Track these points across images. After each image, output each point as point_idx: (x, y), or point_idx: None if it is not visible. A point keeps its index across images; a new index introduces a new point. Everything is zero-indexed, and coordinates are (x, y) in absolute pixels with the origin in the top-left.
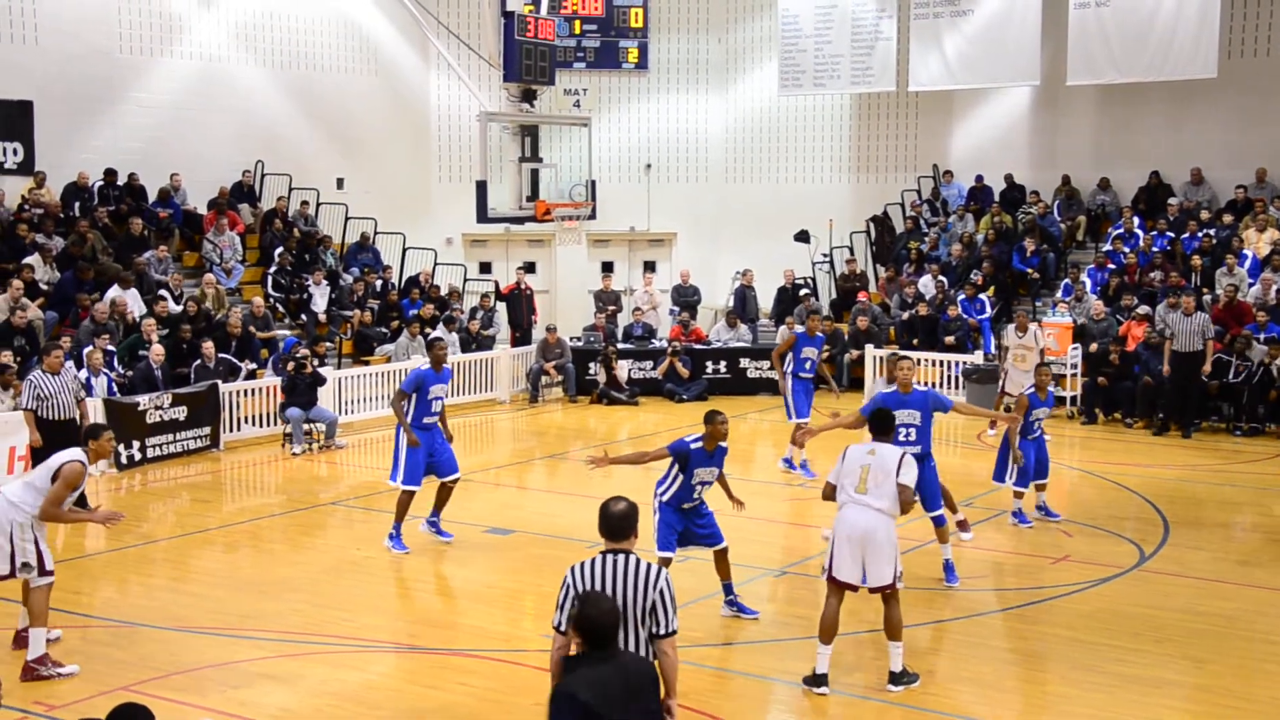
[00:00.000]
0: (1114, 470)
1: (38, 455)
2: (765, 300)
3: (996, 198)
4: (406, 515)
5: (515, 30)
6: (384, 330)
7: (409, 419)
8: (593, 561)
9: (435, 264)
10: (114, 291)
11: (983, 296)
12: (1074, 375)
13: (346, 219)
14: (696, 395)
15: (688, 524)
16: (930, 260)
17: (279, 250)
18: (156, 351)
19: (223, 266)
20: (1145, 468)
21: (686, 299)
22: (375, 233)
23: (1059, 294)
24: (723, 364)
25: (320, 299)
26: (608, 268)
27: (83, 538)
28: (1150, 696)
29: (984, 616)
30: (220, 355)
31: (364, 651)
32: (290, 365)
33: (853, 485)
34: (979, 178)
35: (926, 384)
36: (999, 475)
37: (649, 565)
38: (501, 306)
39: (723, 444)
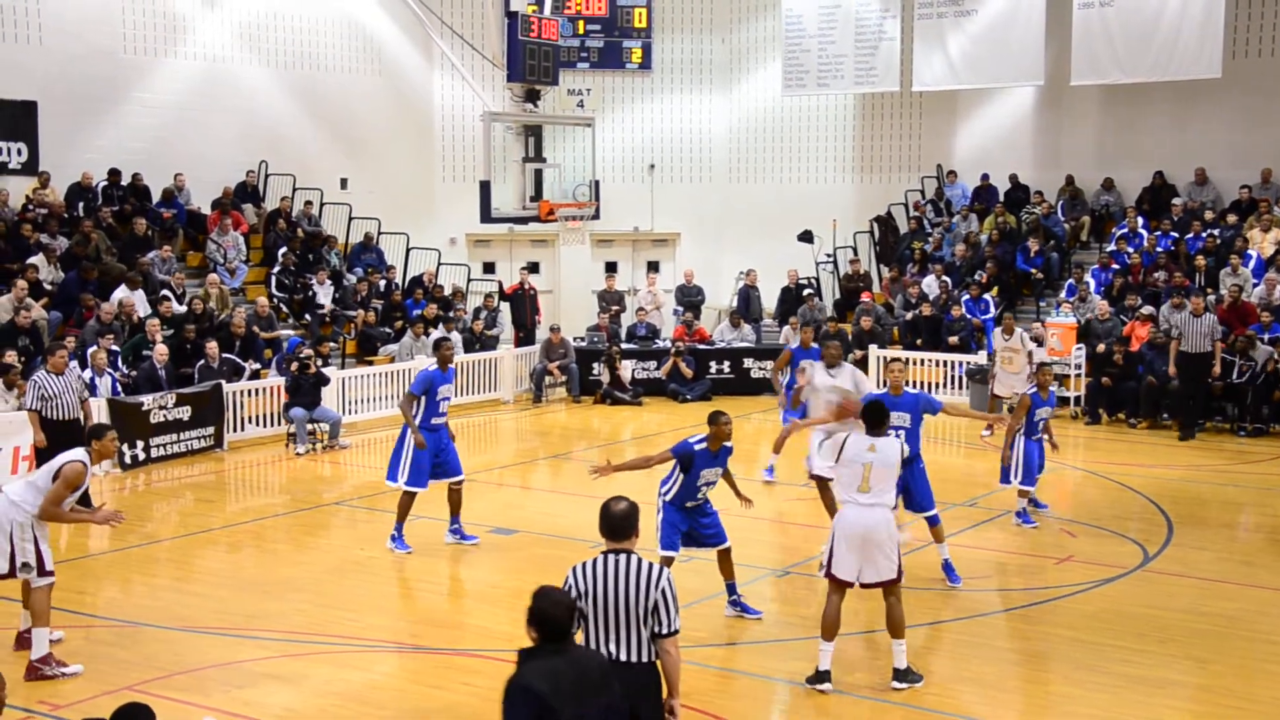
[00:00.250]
0: (1118, 470)
1: (42, 455)
2: (769, 300)
3: (1001, 198)
4: (409, 516)
5: (519, 30)
6: (388, 330)
7: (417, 420)
8: (594, 561)
9: (439, 264)
10: (122, 292)
11: (987, 297)
12: (1078, 375)
13: (350, 219)
14: (700, 395)
15: (692, 523)
16: (934, 260)
17: (283, 250)
18: (160, 351)
19: (226, 267)
20: (1149, 468)
21: (690, 299)
22: (379, 233)
23: (1063, 294)
24: (726, 364)
25: (324, 299)
26: (611, 268)
27: (86, 538)
28: (1154, 697)
29: (987, 617)
30: (224, 355)
31: (368, 651)
32: (294, 365)
33: (855, 485)
34: (984, 177)
35: (919, 385)
36: (1005, 478)
37: (650, 565)
38: (505, 306)
39: (727, 444)
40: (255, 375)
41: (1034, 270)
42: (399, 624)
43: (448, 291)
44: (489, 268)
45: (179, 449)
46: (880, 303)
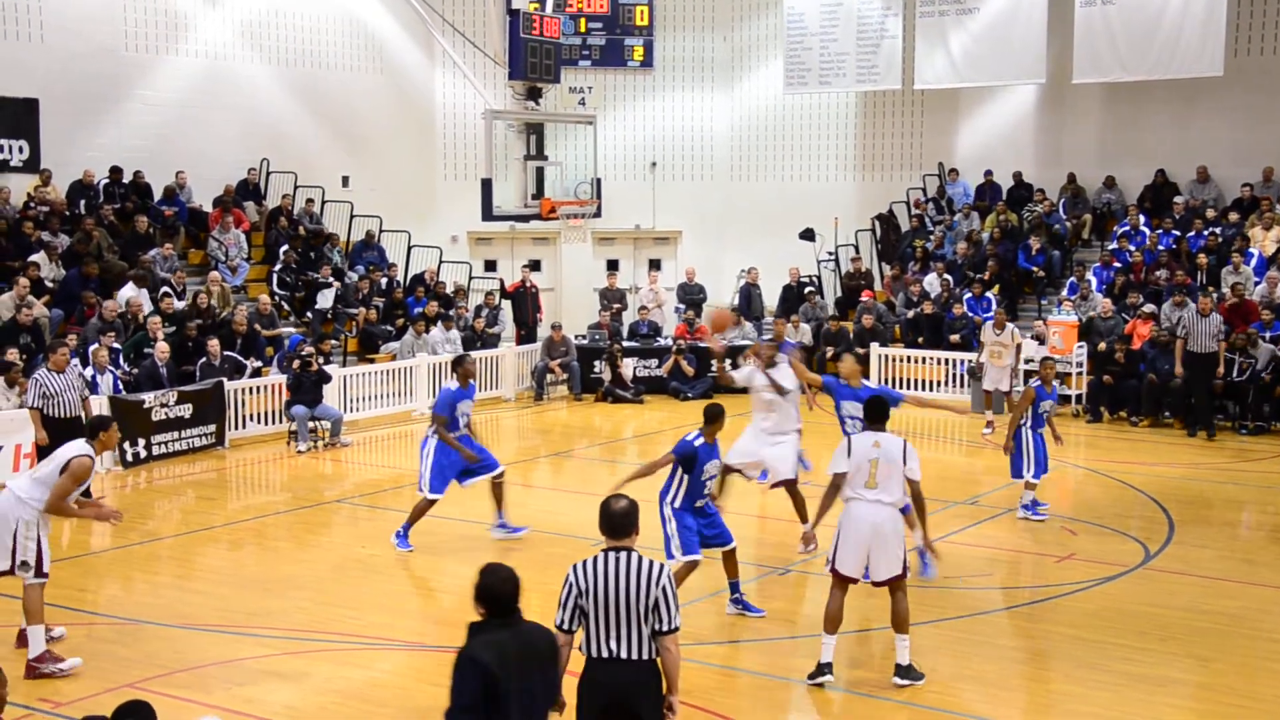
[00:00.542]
0: (1119, 468)
1: (43, 454)
2: (771, 299)
3: (1004, 195)
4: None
5: (520, 28)
6: (389, 328)
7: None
8: (595, 559)
9: (440, 262)
10: (130, 291)
11: (988, 295)
12: (1079, 374)
13: (351, 217)
14: (701, 393)
15: (700, 525)
16: (935, 258)
17: (284, 248)
18: (162, 349)
19: (228, 264)
20: (1150, 466)
21: (692, 297)
22: (380, 230)
23: (1064, 292)
24: (727, 362)
25: (326, 297)
26: (613, 265)
27: (88, 535)
28: (1155, 695)
29: (988, 615)
30: (225, 353)
31: (369, 649)
32: (296, 363)
33: (862, 481)
34: (988, 173)
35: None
36: (1017, 472)
37: (651, 562)
38: (506, 304)
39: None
40: (257, 373)
41: (1035, 268)
42: (400, 621)
43: (449, 289)
44: (490, 265)
45: (180, 447)
46: (882, 301)
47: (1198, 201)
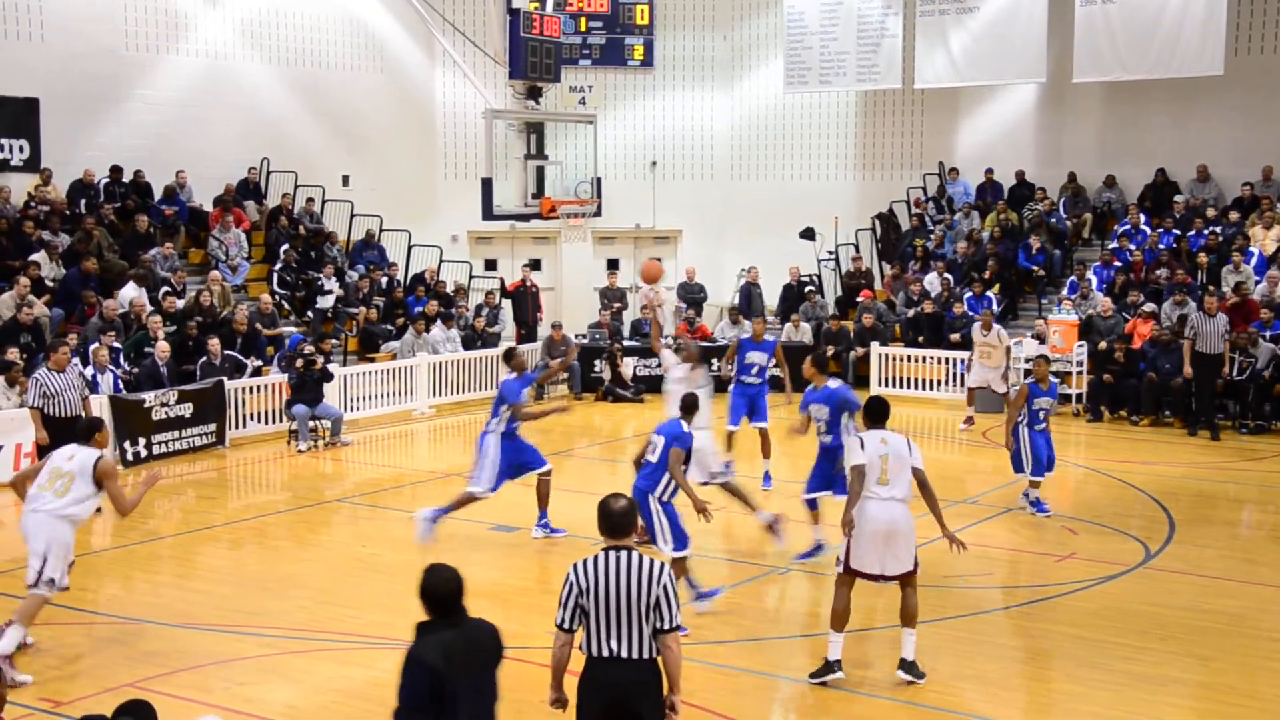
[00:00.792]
0: (1119, 468)
1: (44, 453)
2: (771, 298)
3: (1005, 194)
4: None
5: (521, 27)
6: (389, 328)
7: (504, 427)
8: (595, 559)
9: (440, 261)
10: (132, 291)
11: (989, 294)
12: (1080, 373)
13: (352, 216)
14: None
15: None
16: (936, 258)
17: (284, 247)
18: (162, 348)
19: (228, 264)
20: (1150, 465)
21: (693, 296)
22: (380, 230)
23: (1064, 291)
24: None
25: (327, 296)
26: (613, 265)
27: (89, 535)
28: (1156, 694)
29: (989, 614)
30: (226, 352)
31: (370, 648)
32: (299, 362)
33: (875, 479)
34: (988, 171)
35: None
36: (1018, 467)
37: (651, 561)
38: (507, 304)
39: None
40: (257, 372)
41: (1036, 267)
42: (401, 620)
43: (450, 289)
44: (491, 265)
45: (181, 446)
46: (882, 300)
47: (1198, 200)
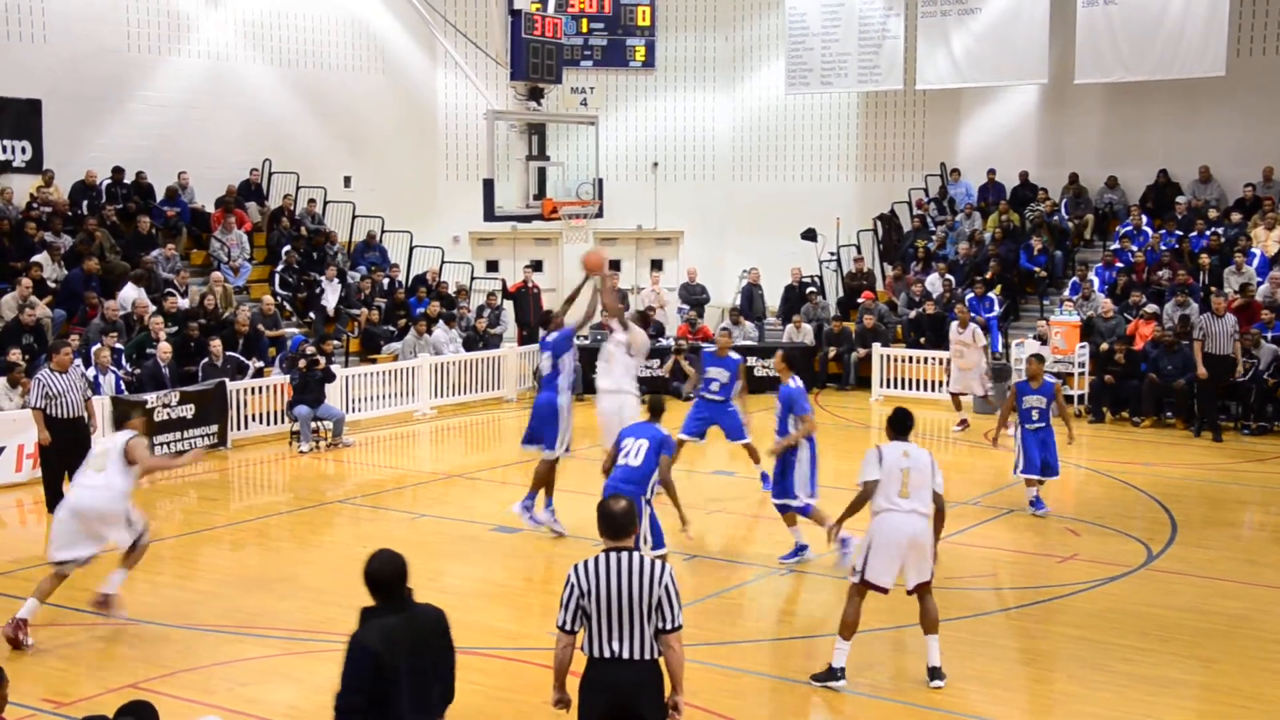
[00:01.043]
0: (1121, 469)
1: (46, 454)
2: (772, 299)
3: (1008, 195)
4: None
5: (522, 28)
6: (391, 329)
7: (569, 381)
8: (595, 560)
9: (442, 262)
10: (130, 292)
11: (990, 295)
12: (1081, 374)
13: (354, 217)
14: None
15: None
16: (937, 259)
17: (286, 249)
18: (164, 349)
19: (230, 265)
20: (1152, 466)
21: (695, 297)
22: (382, 231)
23: (1066, 292)
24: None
25: (329, 297)
26: (615, 266)
27: None
28: (1158, 696)
29: (991, 615)
30: (228, 353)
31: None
32: (301, 362)
33: (895, 491)
34: (991, 172)
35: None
36: (1015, 468)
37: (653, 562)
38: (508, 305)
39: None
40: (259, 373)
41: (1037, 269)
42: None
43: (451, 290)
44: (492, 266)
45: (183, 447)
46: (884, 301)
47: (1200, 202)
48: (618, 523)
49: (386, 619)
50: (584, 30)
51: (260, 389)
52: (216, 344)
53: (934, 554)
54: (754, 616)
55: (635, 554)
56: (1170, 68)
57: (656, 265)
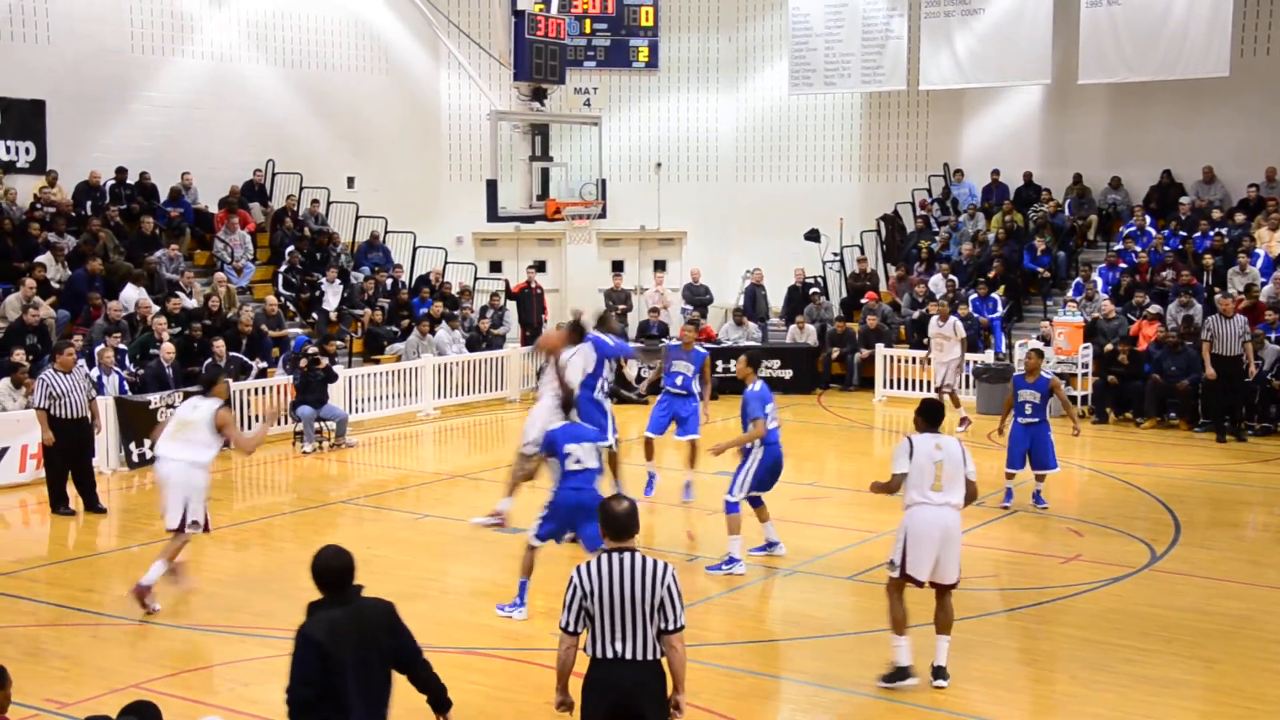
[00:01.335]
0: (1124, 469)
1: (49, 454)
2: (776, 299)
3: (1012, 195)
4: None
5: (526, 29)
6: (394, 329)
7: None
8: (598, 561)
9: (445, 263)
10: (138, 293)
11: (994, 295)
12: (1085, 375)
13: (357, 218)
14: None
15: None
16: (941, 259)
17: (289, 249)
18: (168, 350)
19: (233, 265)
20: (1155, 467)
21: (698, 298)
22: (385, 231)
23: (1069, 293)
24: (732, 363)
25: (332, 297)
26: (618, 266)
27: (94, 536)
28: (1160, 696)
29: (993, 616)
30: (231, 354)
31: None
32: (303, 362)
33: (928, 484)
34: (995, 173)
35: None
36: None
37: (655, 562)
38: (512, 305)
39: None
40: (262, 374)
41: (1041, 269)
42: (405, 623)
43: (454, 290)
44: (495, 266)
45: None
46: (887, 301)
47: (1204, 202)
48: (621, 524)
49: (332, 611)
50: (587, 31)
51: (263, 389)
52: (220, 344)
53: None
54: (756, 617)
55: (638, 554)
56: (1174, 68)
57: (660, 266)
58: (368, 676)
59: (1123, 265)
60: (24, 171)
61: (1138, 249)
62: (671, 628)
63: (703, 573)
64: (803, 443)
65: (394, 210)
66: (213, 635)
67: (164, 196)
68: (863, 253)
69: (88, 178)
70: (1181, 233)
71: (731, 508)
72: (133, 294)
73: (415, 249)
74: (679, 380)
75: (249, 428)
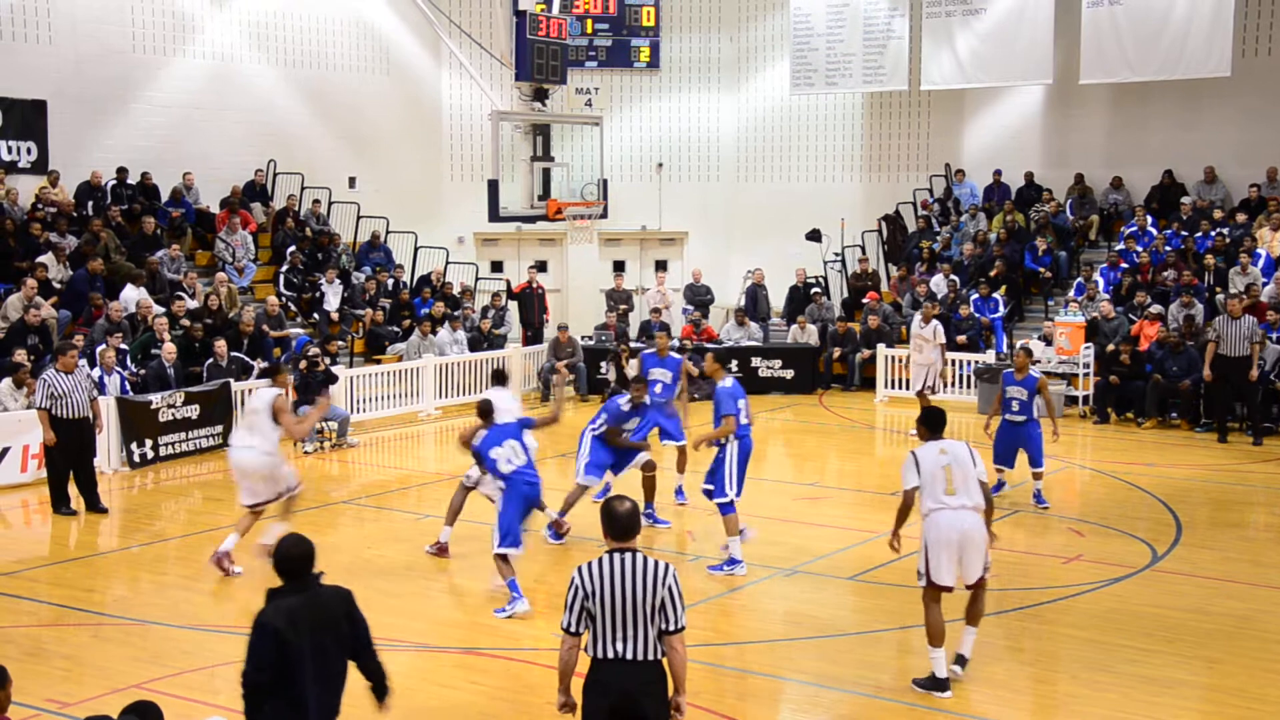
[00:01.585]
0: (1125, 470)
1: (51, 454)
2: (777, 299)
3: (1013, 195)
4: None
5: (527, 29)
6: (395, 329)
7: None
8: (600, 561)
9: (447, 263)
10: (138, 294)
11: (995, 296)
12: (1086, 375)
13: (358, 218)
14: (706, 395)
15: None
16: (942, 259)
17: (291, 249)
18: (169, 350)
19: (235, 265)
20: (1157, 467)
21: (700, 298)
22: (387, 232)
23: (1071, 293)
24: (734, 363)
25: (332, 298)
26: (619, 266)
27: (95, 536)
28: (1162, 697)
29: (996, 616)
30: (232, 354)
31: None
32: (302, 364)
33: (941, 490)
34: (997, 173)
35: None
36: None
37: (657, 563)
38: (513, 305)
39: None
40: (263, 374)
41: (1042, 269)
42: (407, 623)
43: (456, 290)
44: (497, 266)
45: (187, 447)
46: (888, 302)
47: (1205, 202)
48: (623, 524)
49: (290, 599)
50: (589, 31)
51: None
52: (221, 344)
53: (990, 541)
54: (758, 617)
55: (639, 555)
56: (1175, 68)
57: (661, 266)
58: (324, 663)
59: (1124, 265)
60: (26, 172)
61: (1139, 249)
62: (672, 628)
63: (703, 573)
64: (804, 443)
65: (395, 210)
66: (214, 635)
67: (165, 197)
68: (864, 253)
69: (89, 178)
70: (1183, 233)
71: (726, 509)
72: (133, 294)
73: (416, 249)
74: (658, 388)
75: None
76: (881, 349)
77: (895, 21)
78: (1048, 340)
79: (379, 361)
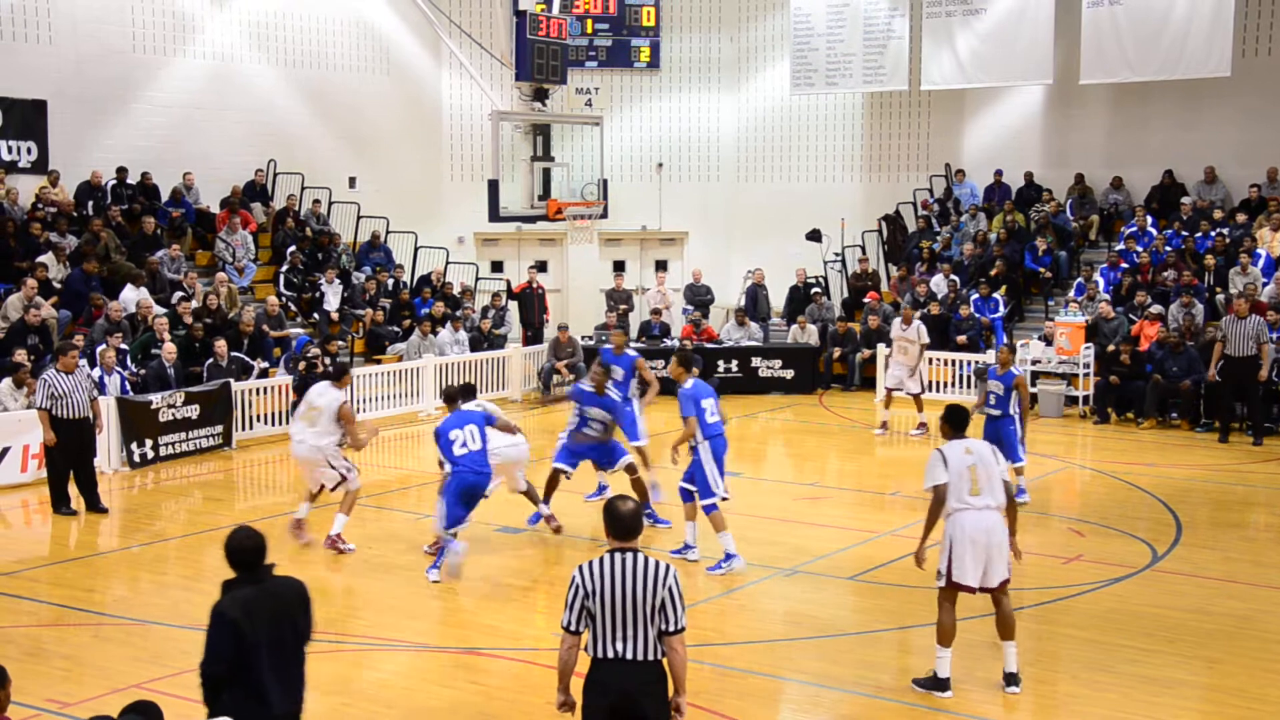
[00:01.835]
0: (1126, 470)
1: (51, 454)
2: (777, 299)
3: (1013, 195)
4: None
5: (527, 29)
6: (396, 329)
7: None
8: (601, 561)
9: (447, 263)
10: (139, 294)
11: (995, 296)
12: (1086, 375)
13: (358, 218)
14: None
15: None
16: (942, 259)
17: (291, 249)
18: (169, 350)
19: (235, 265)
20: (1157, 467)
21: (700, 298)
22: (387, 232)
23: (1071, 293)
24: (734, 363)
25: (333, 298)
26: (619, 266)
27: (95, 536)
28: (1163, 697)
29: (995, 616)
30: (233, 354)
31: (376, 650)
32: (301, 365)
33: (966, 490)
34: (998, 173)
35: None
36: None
37: (657, 563)
38: (513, 305)
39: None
40: (264, 374)
41: (1043, 269)
42: (407, 623)
43: (456, 290)
44: (497, 266)
45: (187, 447)
46: (889, 302)
47: (1205, 202)
48: (625, 524)
49: (245, 590)
50: (589, 31)
51: (265, 389)
52: (221, 344)
53: (1014, 548)
54: (758, 617)
55: (640, 555)
56: (1175, 68)
57: (661, 266)
58: (281, 654)
59: (1124, 265)
60: (26, 171)
61: (1139, 249)
62: (672, 629)
63: (703, 573)
64: (804, 443)
65: (395, 210)
66: None
67: (165, 197)
68: (864, 253)
69: (89, 178)
70: (1183, 233)
71: (710, 509)
72: (133, 294)
73: (416, 249)
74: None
75: (249, 428)
76: (881, 349)
77: (895, 21)
78: (1048, 340)
79: (379, 361)
